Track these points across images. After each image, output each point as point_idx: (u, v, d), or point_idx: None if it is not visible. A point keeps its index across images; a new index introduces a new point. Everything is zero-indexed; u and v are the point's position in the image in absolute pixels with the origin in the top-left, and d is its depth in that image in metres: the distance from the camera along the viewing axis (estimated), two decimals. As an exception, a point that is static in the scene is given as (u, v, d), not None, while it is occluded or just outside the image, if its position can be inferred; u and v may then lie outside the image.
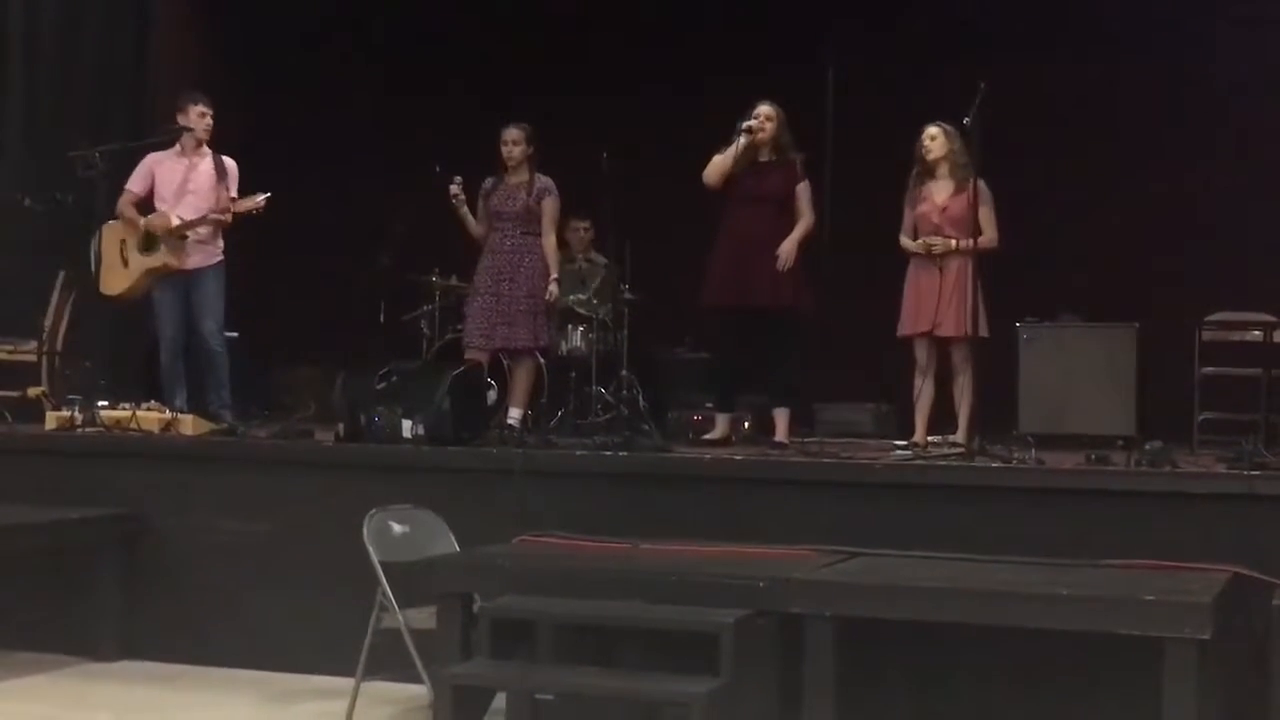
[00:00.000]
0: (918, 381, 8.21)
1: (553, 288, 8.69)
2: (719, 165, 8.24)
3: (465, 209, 8.72)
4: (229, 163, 8.79)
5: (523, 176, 8.69)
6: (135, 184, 8.81)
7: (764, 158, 8.31)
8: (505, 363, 8.99)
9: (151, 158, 8.84)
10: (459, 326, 9.45)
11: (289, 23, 11.56)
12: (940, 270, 8.10)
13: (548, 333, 8.85)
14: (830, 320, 9.56)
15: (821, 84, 10.97)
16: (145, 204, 8.82)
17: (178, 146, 8.83)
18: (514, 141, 8.67)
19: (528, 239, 8.67)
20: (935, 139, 8.18)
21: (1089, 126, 10.40)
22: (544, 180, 8.71)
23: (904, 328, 8.23)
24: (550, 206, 8.70)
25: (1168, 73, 10.23)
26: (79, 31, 10.79)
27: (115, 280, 8.78)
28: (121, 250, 8.77)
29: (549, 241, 8.72)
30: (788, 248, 8.17)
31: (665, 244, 9.83)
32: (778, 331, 8.25)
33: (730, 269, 8.21)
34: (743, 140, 8.20)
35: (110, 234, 8.78)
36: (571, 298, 10.06)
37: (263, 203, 8.57)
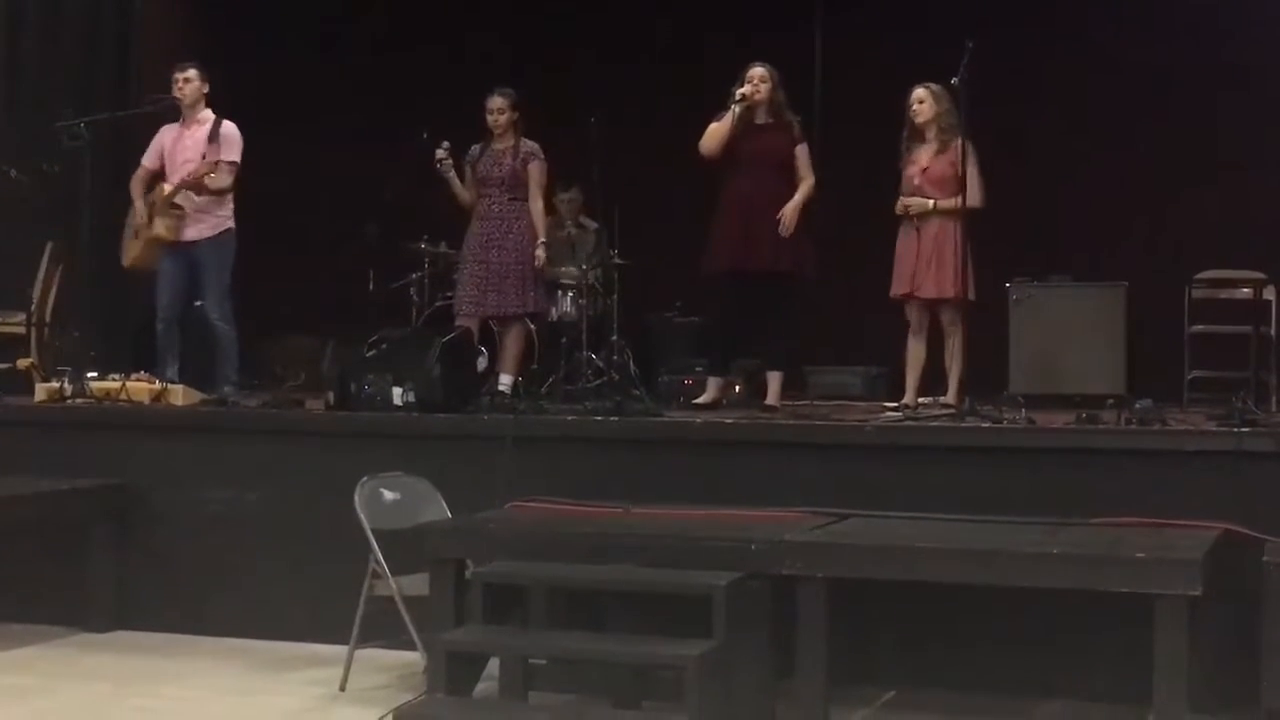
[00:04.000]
0: (909, 342, 8.20)
1: (540, 252, 8.67)
2: (716, 135, 8.13)
3: (453, 174, 8.70)
4: (225, 127, 8.64)
5: (508, 142, 8.67)
6: (146, 158, 8.79)
7: (760, 120, 8.24)
8: (495, 329, 8.98)
9: (161, 130, 8.81)
10: (448, 294, 9.43)
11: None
12: (918, 231, 8.08)
13: (538, 298, 8.84)
14: (820, 284, 9.56)
15: (811, 45, 10.95)
16: (162, 177, 8.77)
17: (181, 116, 8.78)
18: (499, 110, 8.65)
19: (515, 204, 8.66)
20: (923, 102, 8.13)
21: (1077, 85, 10.37)
22: (529, 145, 8.69)
23: (892, 289, 8.23)
24: (536, 171, 8.68)
25: (1158, 31, 10.19)
26: (63, 1, 10.73)
27: (128, 252, 8.79)
28: (135, 222, 8.76)
29: (536, 206, 8.71)
30: (790, 212, 8.07)
31: (656, 208, 9.82)
32: (779, 296, 8.19)
33: (733, 233, 8.14)
34: (738, 110, 8.13)
35: (136, 206, 8.74)
36: (562, 269, 10.04)
37: (210, 171, 8.45)
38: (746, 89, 8.14)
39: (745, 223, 8.13)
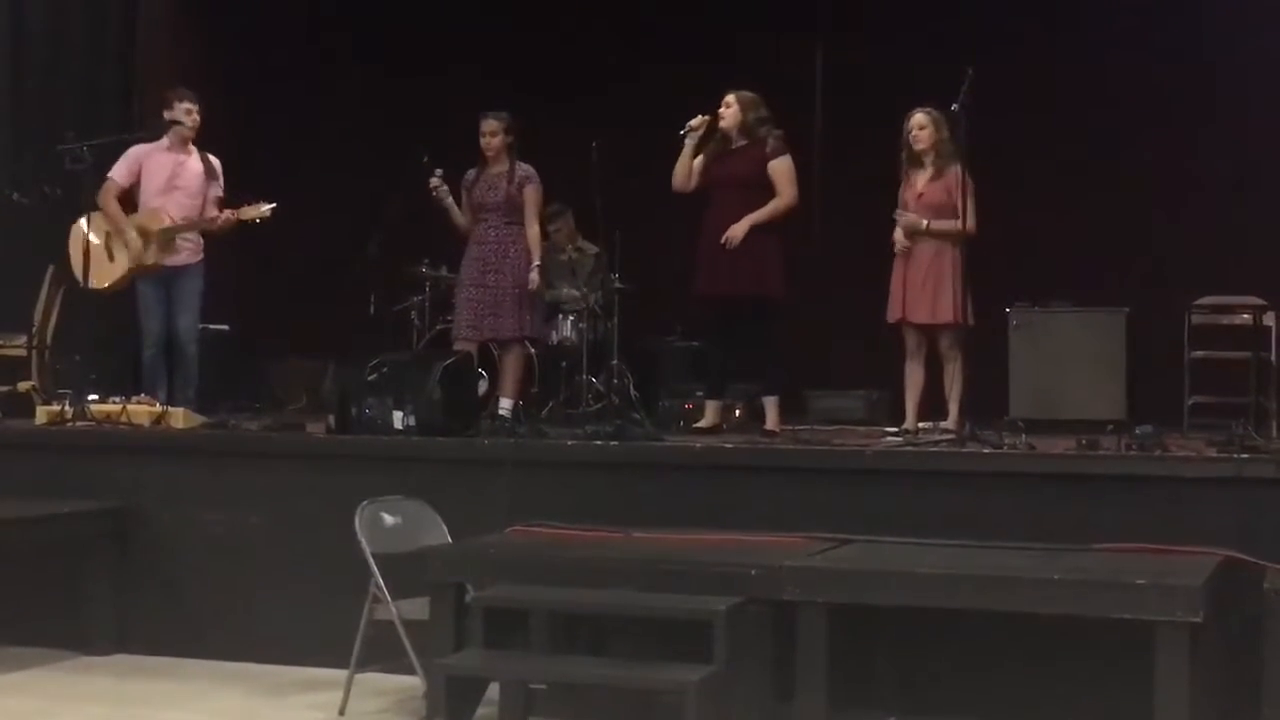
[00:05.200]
0: (907, 367, 8.19)
1: (534, 275, 8.67)
2: (676, 170, 8.22)
3: (450, 200, 8.70)
4: (216, 161, 8.83)
5: (503, 166, 8.67)
6: (120, 175, 8.79)
7: (734, 144, 8.26)
8: (495, 353, 8.99)
9: (138, 150, 8.82)
10: (449, 317, 9.45)
11: (278, 12, 11.53)
12: (909, 255, 8.05)
13: (535, 322, 8.85)
14: (821, 307, 9.58)
15: (812, 70, 10.98)
16: (126, 196, 8.80)
17: (165, 141, 8.83)
18: (491, 133, 8.65)
19: (512, 229, 8.66)
20: (925, 129, 8.09)
21: (1078, 112, 10.40)
22: (525, 168, 8.69)
23: (900, 314, 8.20)
24: (532, 195, 8.69)
25: (1157, 58, 10.23)
26: (66, 24, 10.76)
27: (102, 273, 8.71)
28: (107, 243, 8.75)
29: (532, 230, 8.71)
30: (736, 229, 8.00)
31: (655, 232, 9.83)
32: (751, 319, 8.15)
33: (703, 258, 8.18)
34: (688, 142, 8.16)
35: (96, 225, 8.72)
36: (564, 291, 10.05)
37: (268, 212, 8.58)
38: (695, 120, 8.16)
39: (712, 249, 8.13)
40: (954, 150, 7.90)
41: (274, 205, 8.62)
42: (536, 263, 8.70)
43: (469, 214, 8.75)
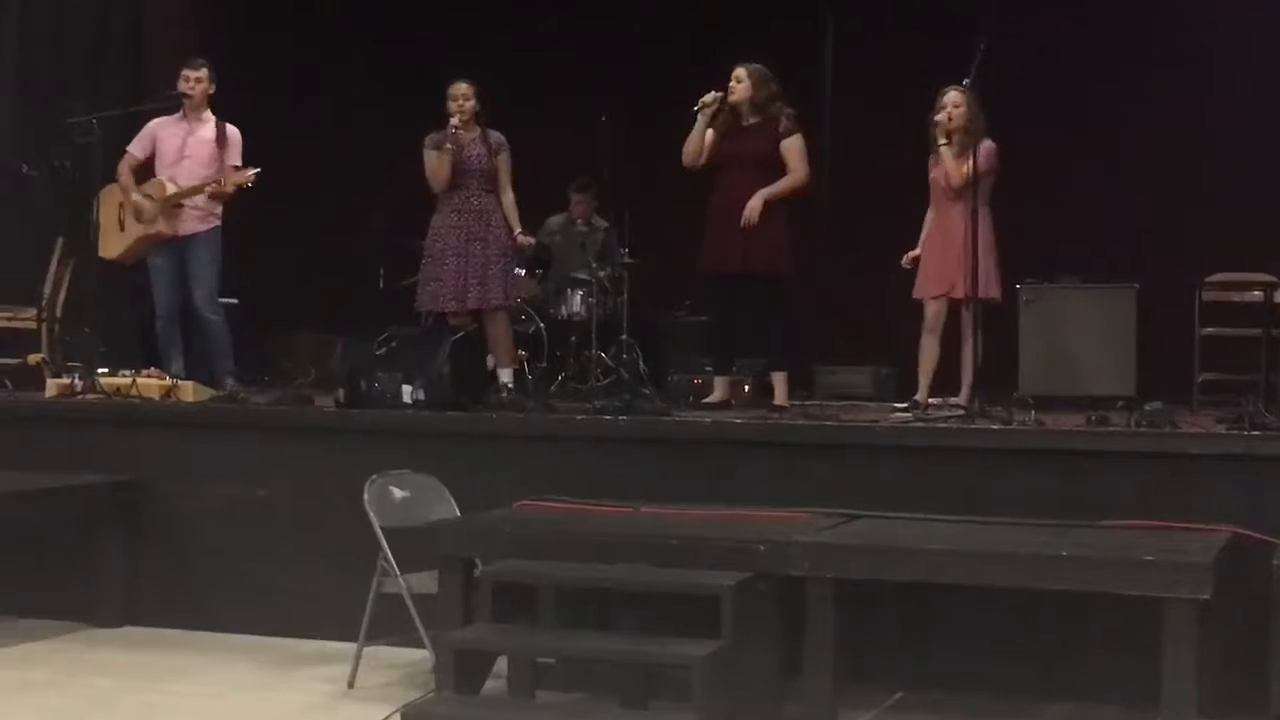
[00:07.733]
0: (924, 341, 8.14)
1: (526, 237, 8.68)
2: (687, 146, 8.18)
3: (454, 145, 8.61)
4: (232, 131, 8.72)
5: (473, 133, 8.60)
6: (136, 148, 8.78)
7: (746, 120, 8.23)
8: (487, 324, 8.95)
9: (155, 123, 8.82)
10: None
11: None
12: (944, 231, 7.98)
13: (515, 287, 8.88)
14: (829, 282, 9.56)
15: (821, 43, 10.94)
16: (146, 168, 8.80)
17: (180, 113, 8.81)
18: (464, 96, 8.56)
19: (490, 197, 8.60)
20: (960, 107, 7.89)
21: (1089, 87, 10.36)
22: (496, 135, 8.63)
23: (924, 290, 8.13)
24: (506, 162, 8.64)
25: (1167, 33, 10.19)
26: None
27: (112, 244, 8.79)
28: (119, 214, 8.77)
29: (508, 197, 8.66)
30: (752, 204, 7.99)
31: (665, 207, 9.81)
32: (761, 295, 8.14)
33: (711, 236, 8.16)
34: (700, 118, 8.12)
35: (110, 197, 8.77)
36: (578, 274, 10.06)
37: (253, 177, 8.52)
38: (708, 96, 8.12)
39: (721, 225, 8.11)
40: (982, 127, 7.83)
41: (258, 170, 8.53)
42: (518, 229, 8.67)
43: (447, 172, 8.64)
